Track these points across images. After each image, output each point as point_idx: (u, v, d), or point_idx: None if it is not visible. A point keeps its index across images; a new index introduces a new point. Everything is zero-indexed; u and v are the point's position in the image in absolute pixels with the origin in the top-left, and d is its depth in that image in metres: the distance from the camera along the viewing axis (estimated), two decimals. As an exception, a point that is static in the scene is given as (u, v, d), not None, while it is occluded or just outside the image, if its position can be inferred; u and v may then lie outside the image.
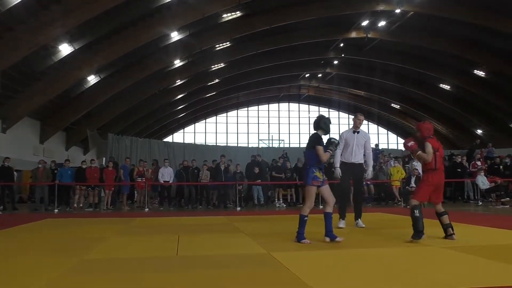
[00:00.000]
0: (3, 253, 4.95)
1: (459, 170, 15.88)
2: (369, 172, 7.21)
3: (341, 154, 7.01)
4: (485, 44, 23.80)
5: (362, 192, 7.57)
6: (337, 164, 7.03)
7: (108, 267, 4.10)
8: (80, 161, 16.02)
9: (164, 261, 4.32)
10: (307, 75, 33.82)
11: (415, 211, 5.19)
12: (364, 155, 7.14)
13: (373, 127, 42.77)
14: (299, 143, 39.45)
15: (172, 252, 4.85)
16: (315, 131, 5.45)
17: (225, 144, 35.42)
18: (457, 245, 5.01)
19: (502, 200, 13.17)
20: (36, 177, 14.28)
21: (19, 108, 18.90)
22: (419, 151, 5.42)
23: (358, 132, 6.98)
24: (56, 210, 12.98)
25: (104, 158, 19.71)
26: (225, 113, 40.89)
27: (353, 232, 6.51)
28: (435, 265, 3.99)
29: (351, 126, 7.18)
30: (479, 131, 33.20)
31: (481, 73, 26.75)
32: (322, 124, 5.40)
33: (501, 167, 16.19)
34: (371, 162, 7.17)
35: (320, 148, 5.26)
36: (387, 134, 43.30)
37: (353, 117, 7.27)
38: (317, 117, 5.52)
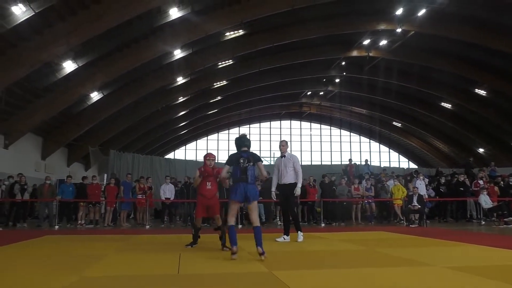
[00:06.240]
0: (1, 270, 4.88)
1: (462, 189, 15.82)
2: (297, 189, 7.82)
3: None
4: (486, 64, 23.91)
5: (291, 210, 8.21)
6: (273, 188, 8.23)
7: (108, 285, 4.06)
8: (81, 177, 15.98)
9: (165, 280, 4.28)
10: (309, 93, 33.94)
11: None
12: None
13: (374, 145, 42.78)
14: (301, 161, 39.30)
15: (174, 270, 4.82)
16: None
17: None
18: (459, 265, 4.96)
19: (505, 219, 13.05)
20: (41, 193, 14.27)
21: (22, 124, 18.95)
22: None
23: (284, 157, 7.95)
24: (56, 227, 12.93)
25: (105, 175, 19.68)
26: (227, 130, 40.89)
27: (356, 251, 6.46)
28: (441, 286, 3.95)
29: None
30: (481, 150, 33.16)
31: (482, 92, 26.81)
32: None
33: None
34: (299, 180, 7.87)
35: None
36: (389, 152, 43.24)
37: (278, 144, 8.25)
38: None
